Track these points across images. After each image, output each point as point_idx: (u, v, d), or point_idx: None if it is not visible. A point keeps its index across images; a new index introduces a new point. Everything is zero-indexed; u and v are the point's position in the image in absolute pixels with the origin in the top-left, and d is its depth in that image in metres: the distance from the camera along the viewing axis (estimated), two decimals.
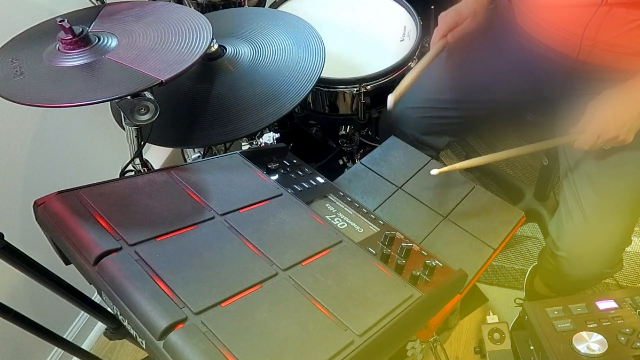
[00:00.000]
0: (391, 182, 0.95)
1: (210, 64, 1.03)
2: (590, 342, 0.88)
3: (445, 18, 1.05)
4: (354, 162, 1.42)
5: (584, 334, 0.89)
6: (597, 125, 0.86)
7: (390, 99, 0.97)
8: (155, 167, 0.89)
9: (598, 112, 0.87)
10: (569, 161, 1.01)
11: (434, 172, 0.87)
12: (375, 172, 0.97)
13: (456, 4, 1.06)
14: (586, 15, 0.88)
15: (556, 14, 0.95)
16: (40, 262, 0.86)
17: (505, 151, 0.91)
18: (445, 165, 0.93)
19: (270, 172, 0.84)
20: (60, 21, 0.74)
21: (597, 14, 0.87)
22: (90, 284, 0.58)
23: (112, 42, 0.79)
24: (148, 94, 0.73)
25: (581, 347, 0.87)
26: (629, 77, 0.87)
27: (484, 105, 1.13)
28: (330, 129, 1.43)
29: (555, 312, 0.94)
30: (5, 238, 0.78)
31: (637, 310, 0.92)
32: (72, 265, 0.62)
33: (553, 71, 1.02)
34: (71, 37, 0.75)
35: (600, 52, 0.92)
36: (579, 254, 0.96)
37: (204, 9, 1.31)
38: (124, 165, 0.87)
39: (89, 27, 0.82)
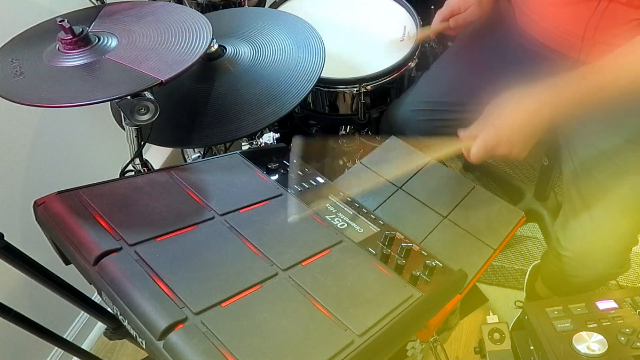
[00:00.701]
0: (391, 182, 0.95)
1: (210, 64, 1.03)
2: (590, 342, 0.88)
3: (451, 2, 1.05)
4: (354, 162, 1.42)
5: (584, 334, 0.89)
6: (488, 136, 0.76)
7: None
8: (155, 167, 0.89)
9: (492, 119, 0.77)
10: (574, 160, 1.00)
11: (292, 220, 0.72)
12: (375, 172, 0.97)
13: None
14: (585, 13, 0.88)
15: (555, 13, 0.95)
16: (40, 262, 0.86)
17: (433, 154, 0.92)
18: (445, 165, 0.93)
19: (270, 172, 0.84)
20: (60, 21, 0.74)
21: (596, 12, 0.87)
22: (90, 284, 0.58)
23: (112, 42, 0.79)
24: (148, 94, 0.73)
25: (581, 347, 0.87)
26: (558, 74, 0.79)
27: (484, 106, 1.13)
28: (330, 129, 1.43)
29: (555, 312, 0.94)
30: (5, 238, 0.78)
31: (637, 310, 0.92)
32: (72, 265, 0.62)
33: (555, 72, 1.01)
34: (71, 37, 0.75)
35: (600, 51, 0.92)
36: (585, 254, 0.95)
37: (204, 9, 1.31)
38: (124, 165, 0.87)
39: (89, 27, 0.82)
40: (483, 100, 1.11)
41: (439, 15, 1.06)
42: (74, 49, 0.76)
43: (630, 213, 0.93)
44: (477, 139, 0.77)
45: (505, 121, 0.76)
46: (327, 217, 0.76)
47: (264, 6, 1.42)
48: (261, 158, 0.87)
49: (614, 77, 0.75)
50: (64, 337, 1.02)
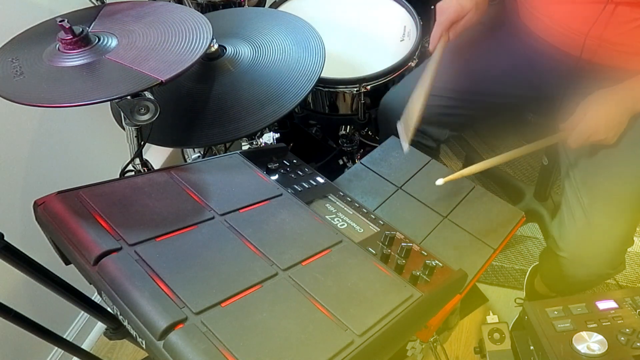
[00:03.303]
0: (391, 182, 0.95)
1: (210, 64, 1.03)
2: (590, 342, 0.88)
3: (447, 11, 0.99)
4: (354, 162, 1.42)
5: (584, 334, 0.89)
6: (588, 126, 0.87)
7: (402, 132, 0.95)
8: (155, 167, 0.89)
9: (589, 112, 0.88)
10: (570, 161, 1.00)
11: (439, 182, 0.87)
12: (375, 172, 0.97)
13: None
14: (592, 13, 0.88)
15: (562, 11, 0.94)
16: (40, 262, 0.86)
17: (504, 154, 0.92)
18: (445, 165, 0.92)
19: (270, 172, 0.84)
20: (60, 21, 0.74)
21: (603, 13, 0.87)
22: (90, 284, 0.58)
23: (112, 42, 0.79)
24: (148, 94, 0.73)
25: (581, 347, 0.87)
26: (632, 77, 0.87)
27: (486, 102, 1.13)
28: (330, 129, 1.43)
29: (555, 312, 0.94)
30: (5, 238, 0.78)
31: (637, 310, 0.92)
32: (72, 265, 0.62)
33: (557, 70, 1.01)
34: (71, 37, 0.75)
35: (604, 51, 0.92)
36: (581, 254, 0.96)
37: (204, 9, 1.31)
38: (124, 165, 0.87)
39: (89, 27, 0.82)
40: (484, 94, 1.12)
41: (439, 27, 1.00)
42: (74, 49, 0.76)
43: (625, 214, 0.94)
44: (576, 129, 0.89)
45: (599, 113, 0.87)
46: (327, 217, 0.76)
47: (264, 6, 1.43)
48: (261, 158, 0.87)
49: None
50: (64, 337, 1.02)
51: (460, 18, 1.00)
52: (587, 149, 0.95)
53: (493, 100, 1.13)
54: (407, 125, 0.94)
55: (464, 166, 1.82)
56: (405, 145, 0.95)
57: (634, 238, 0.99)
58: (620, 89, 0.88)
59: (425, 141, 1.17)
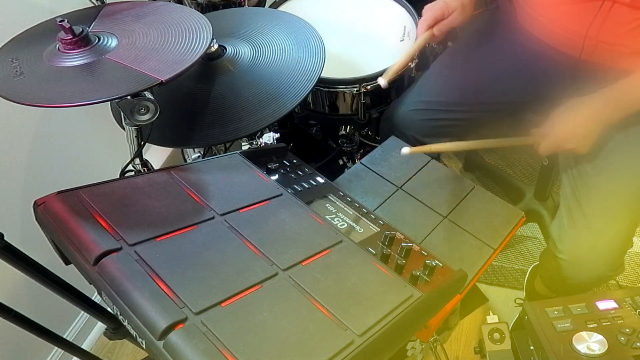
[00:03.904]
0: (391, 182, 0.95)
1: (210, 64, 1.03)
2: (590, 342, 0.88)
3: (432, 9, 1.02)
4: (354, 162, 1.42)
5: (584, 334, 0.89)
6: (557, 135, 0.90)
7: (383, 80, 0.99)
8: (155, 167, 0.89)
9: (560, 122, 0.89)
10: (570, 163, 1.00)
11: (405, 150, 0.92)
12: (375, 172, 0.97)
13: None
14: (589, 12, 0.88)
15: (559, 11, 0.95)
16: (40, 262, 0.86)
17: (476, 141, 0.97)
18: (445, 165, 0.92)
19: (270, 172, 0.84)
20: (60, 21, 0.74)
21: (600, 12, 0.87)
22: (90, 284, 0.58)
23: (112, 42, 0.79)
24: (148, 94, 0.73)
25: (581, 347, 0.87)
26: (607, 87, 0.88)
27: (486, 107, 1.13)
28: (330, 129, 1.43)
29: (555, 312, 0.94)
30: (5, 238, 0.78)
31: (637, 310, 0.92)
32: (72, 265, 0.62)
33: (555, 71, 1.02)
34: (71, 37, 0.75)
35: (602, 51, 0.92)
36: (580, 256, 0.96)
37: (204, 9, 1.31)
38: (124, 165, 0.87)
39: (89, 27, 0.82)
40: (484, 99, 1.12)
41: (422, 24, 1.03)
42: (74, 49, 0.76)
43: (624, 216, 0.94)
44: (548, 136, 0.90)
45: (572, 121, 0.89)
46: (327, 217, 0.76)
47: (264, 6, 1.42)
48: (261, 158, 0.87)
49: None
50: (64, 337, 1.03)
51: (445, 16, 1.02)
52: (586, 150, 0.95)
53: (493, 107, 1.13)
54: (387, 72, 1.01)
55: (464, 166, 1.82)
56: (383, 82, 1.00)
57: (634, 238, 0.99)
58: (594, 99, 0.88)
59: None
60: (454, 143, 0.98)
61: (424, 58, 1.35)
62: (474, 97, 1.12)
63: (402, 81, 1.27)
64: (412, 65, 1.24)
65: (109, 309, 0.98)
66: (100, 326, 1.47)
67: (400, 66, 1.01)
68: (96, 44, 0.77)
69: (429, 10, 1.03)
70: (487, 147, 0.97)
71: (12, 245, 0.80)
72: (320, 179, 0.86)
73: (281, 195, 0.76)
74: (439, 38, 1.05)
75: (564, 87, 1.01)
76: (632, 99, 0.88)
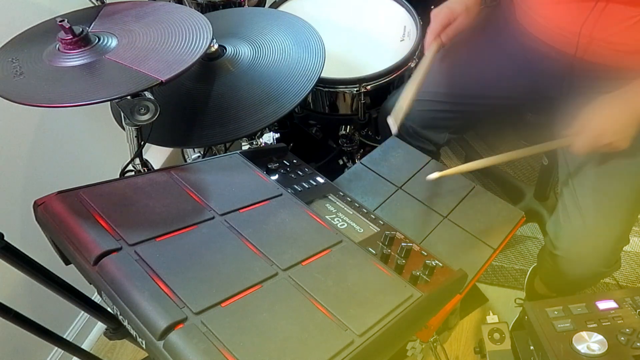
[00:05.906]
0: (391, 182, 0.95)
1: (210, 64, 1.03)
2: (590, 342, 0.88)
3: (439, 16, 1.02)
4: (354, 162, 1.42)
5: (584, 334, 0.89)
6: (594, 130, 0.86)
7: (392, 122, 0.92)
8: (155, 167, 0.89)
9: (595, 117, 0.86)
10: (567, 161, 1.01)
11: (433, 176, 0.86)
12: (375, 172, 0.97)
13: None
14: (583, 11, 0.89)
15: (555, 10, 0.95)
16: (40, 262, 0.86)
17: (504, 154, 0.91)
18: (445, 165, 0.92)
19: (270, 172, 0.84)
20: (60, 21, 0.74)
21: (594, 10, 0.87)
22: (90, 284, 0.58)
23: (112, 42, 0.79)
24: (148, 94, 0.73)
25: (581, 347, 0.87)
26: (628, 76, 0.87)
27: (483, 102, 1.13)
28: (330, 129, 1.43)
29: (555, 312, 0.94)
30: (5, 238, 0.78)
31: (637, 310, 0.92)
32: (72, 265, 0.62)
33: (552, 69, 1.02)
34: (71, 37, 0.75)
35: (597, 49, 0.92)
36: (576, 253, 0.96)
37: (204, 9, 1.31)
38: (124, 165, 0.87)
39: (89, 27, 0.82)
40: (481, 95, 1.12)
41: (431, 32, 1.02)
42: (74, 49, 0.76)
43: (620, 213, 0.94)
44: (584, 132, 0.86)
45: (606, 115, 0.86)
46: (327, 217, 0.76)
47: (264, 6, 1.42)
48: (261, 158, 0.87)
49: None
50: (64, 337, 1.03)
51: (451, 22, 1.02)
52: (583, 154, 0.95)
53: (491, 102, 1.13)
54: (397, 114, 0.93)
55: None
56: (395, 129, 0.93)
57: (633, 238, 0.99)
58: (625, 92, 0.86)
59: (425, 145, 1.17)
60: (485, 159, 0.91)
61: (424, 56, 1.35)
62: (472, 90, 1.12)
63: (402, 81, 1.27)
64: (412, 65, 1.24)
65: (109, 309, 0.98)
66: (100, 326, 1.47)
67: (410, 102, 0.94)
68: (96, 44, 0.78)
69: (435, 17, 1.02)
70: (520, 157, 0.93)
71: (12, 245, 0.80)
72: (320, 179, 0.86)
73: (281, 195, 0.76)
74: (447, 44, 1.04)
75: (562, 84, 1.02)
76: None
